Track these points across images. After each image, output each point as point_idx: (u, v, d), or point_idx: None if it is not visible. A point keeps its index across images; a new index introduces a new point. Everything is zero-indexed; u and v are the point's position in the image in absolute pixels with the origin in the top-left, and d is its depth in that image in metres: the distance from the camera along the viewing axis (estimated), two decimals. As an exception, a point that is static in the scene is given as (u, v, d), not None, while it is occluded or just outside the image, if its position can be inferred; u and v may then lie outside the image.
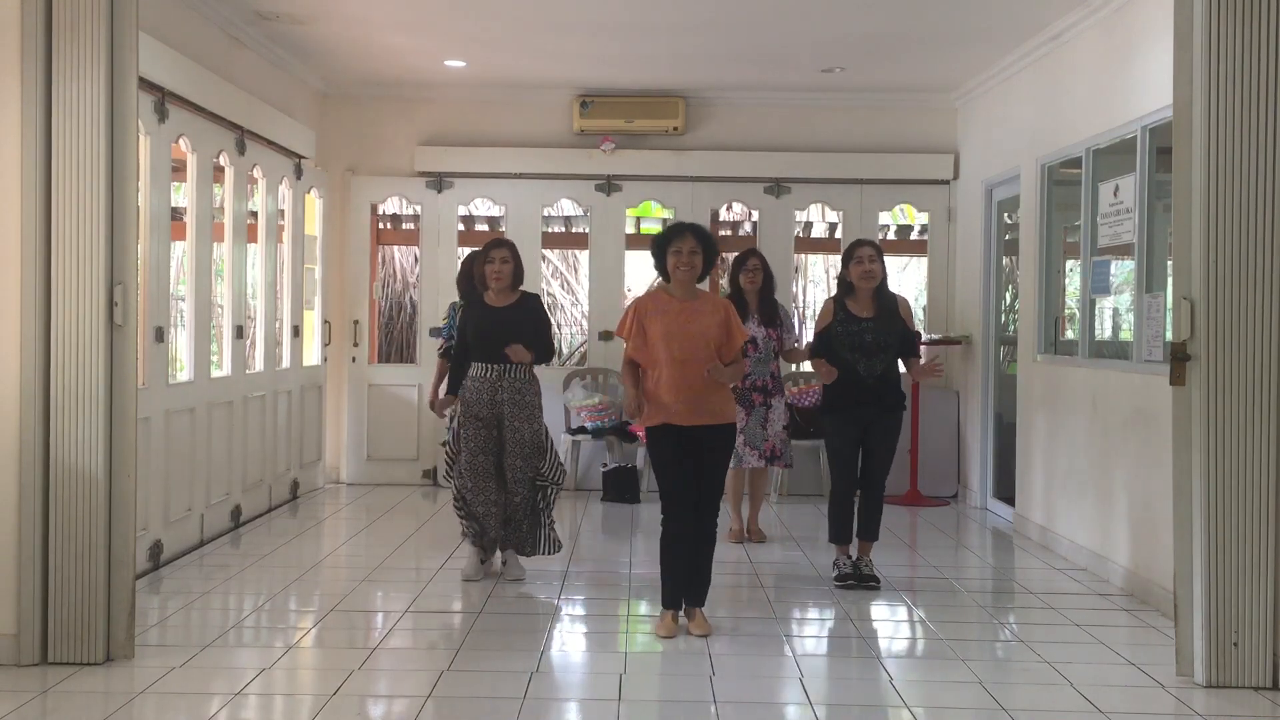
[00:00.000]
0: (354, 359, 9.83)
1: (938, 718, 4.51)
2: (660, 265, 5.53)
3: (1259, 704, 4.55)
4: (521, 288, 6.44)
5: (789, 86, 9.38)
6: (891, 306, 6.42)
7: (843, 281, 6.53)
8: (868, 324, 6.33)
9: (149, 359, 6.39)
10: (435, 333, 9.57)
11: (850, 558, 6.44)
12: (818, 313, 6.83)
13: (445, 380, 6.73)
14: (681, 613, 5.48)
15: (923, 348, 7.32)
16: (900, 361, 6.47)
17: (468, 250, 11.55)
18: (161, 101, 6.54)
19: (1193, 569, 4.70)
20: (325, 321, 9.62)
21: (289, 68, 8.77)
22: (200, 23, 7.19)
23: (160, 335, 6.57)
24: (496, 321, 6.30)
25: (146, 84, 6.19)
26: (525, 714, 4.34)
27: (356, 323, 9.82)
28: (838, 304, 6.45)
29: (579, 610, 5.95)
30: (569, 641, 5.43)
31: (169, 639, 5.31)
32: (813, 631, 5.79)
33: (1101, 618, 5.82)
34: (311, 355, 9.38)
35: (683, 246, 5.42)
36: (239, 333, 7.81)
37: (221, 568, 6.70)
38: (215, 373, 7.55)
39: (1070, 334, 7.96)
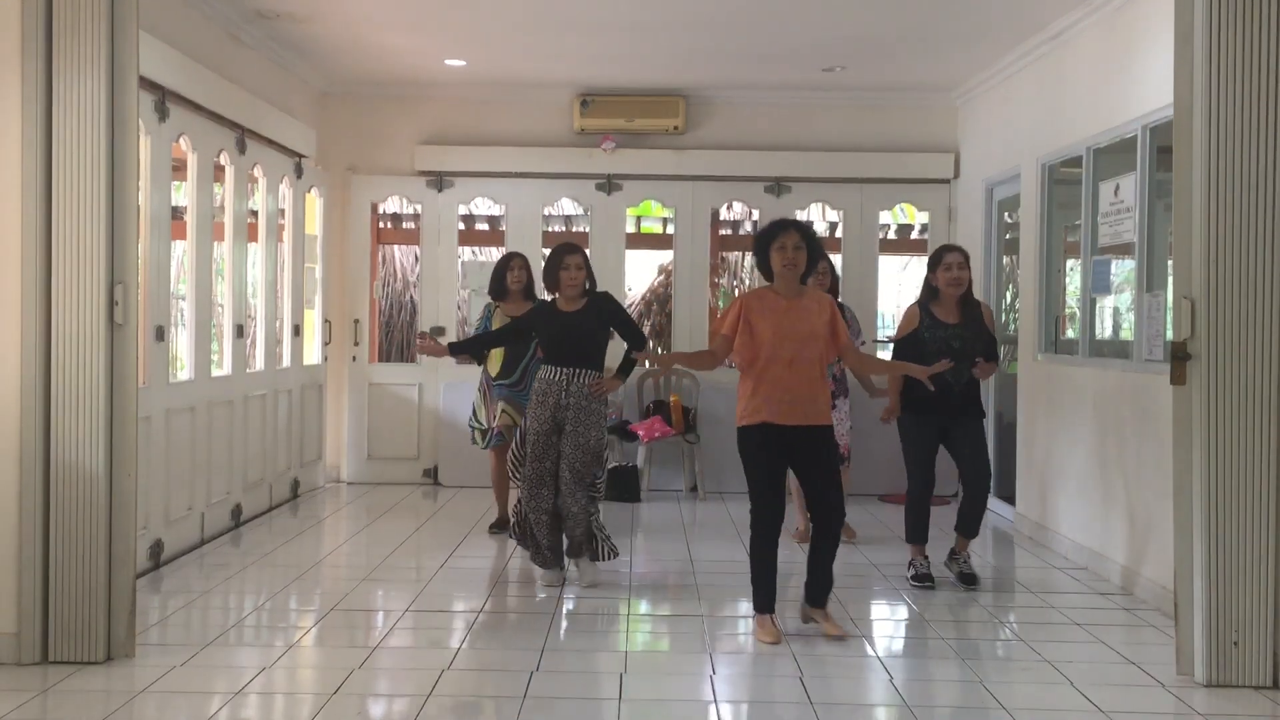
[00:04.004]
0: (354, 358, 9.82)
1: (938, 718, 4.51)
2: (762, 263, 5.39)
3: (1259, 703, 4.55)
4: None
5: (789, 85, 9.38)
6: (977, 313, 6.37)
7: (928, 286, 6.44)
8: (955, 330, 6.28)
9: (149, 358, 6.39)
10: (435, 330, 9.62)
11: (926, 558, 6.43)
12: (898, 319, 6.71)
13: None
14: (759, 615, 5.39)
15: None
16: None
17: (466, 249, 11.60)
18: (162, 100, 6.54)
19: (1193, 568, 4.70)
20: (326, 321, 9.62)
21: (289, 67, 8.77)
22: (201, 21, 7.19)
23: (161, 334, 6.57)
24: (567, 327, 6.28)
25: (147, 83, 6.19)
26: (525, 713, 4.34)
27: (357, 322, 9.82)
28: (923, 309, 6.38)
29: (579, 609, 5.95)
30: (569, 641, 5.43)
31: (170, 638, 5.31)
32: (813, 631, 5.78)
33: (1101, 616, 5.83)
34: (312, 354, 9.38)
35: (787, 242, 5.28)
36: (239, 332, 7.81)
37: (222, 567, 6.70)
38: (216, 372, 7.55)
39: (1070, 333, 7.96)
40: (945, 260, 6.34)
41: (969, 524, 6.42)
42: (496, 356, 7.43)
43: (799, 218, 10.32)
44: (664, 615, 5.85)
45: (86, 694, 4.45)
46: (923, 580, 6.34)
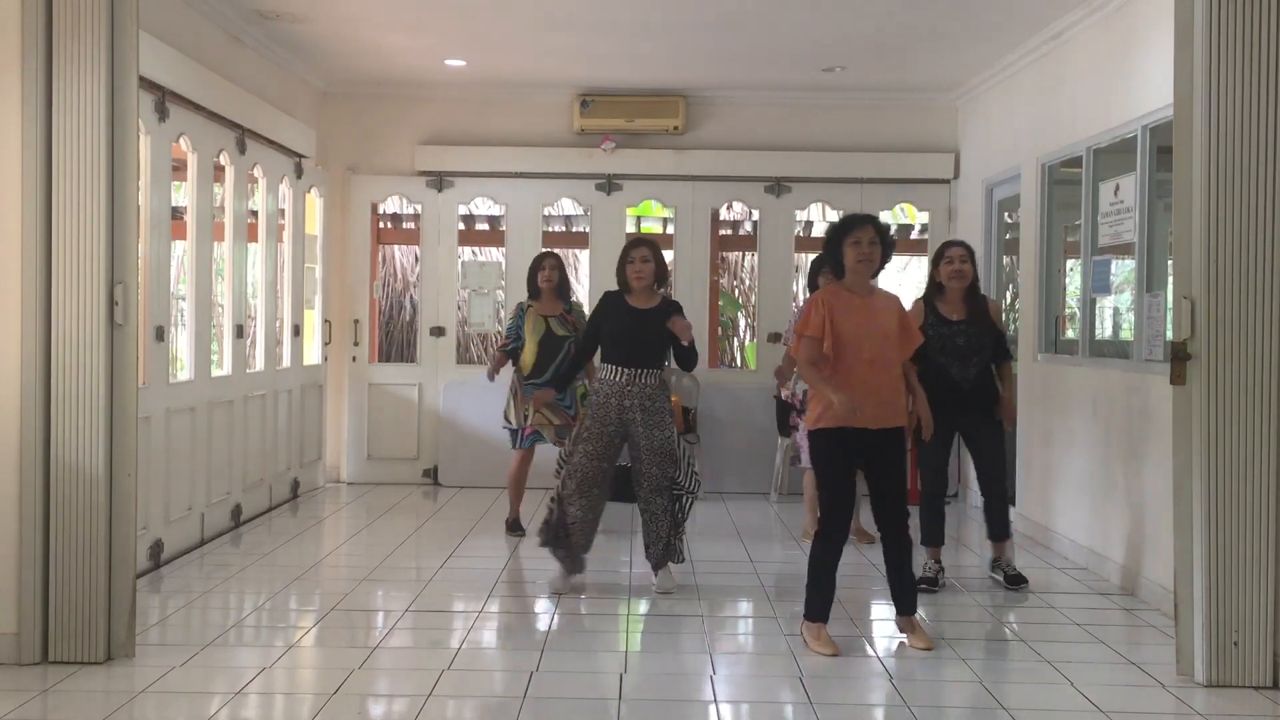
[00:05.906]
0: (354, 358, 9.83)
1: (938, 718, 4.51)
2: (834, 257, 5.22)
3: (1259, 703, 4.55)
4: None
5: (789, 86, 9.38)
6: (983, 309, 6.29)
7: (932, 282, 6.38)
8: (960, 327, 6.20)
9: (149, 358, 6.39)
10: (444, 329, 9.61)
11: (938, 561, 6.34)
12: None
13: (502, 365, 7.27)
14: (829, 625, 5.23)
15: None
16: (993, 367, 6.30)
17: (466, 249, 11.58)
18: (162, 100, 6.54)
19: (1193, 568, 4.70)
20: (326, 321, 9.62)
21: (289, 67, 8.77)
22: (201, 22, 7.20)
23: (161, 334, 6.57)
24: (634, 321, 6.10)
25: (147, 83, 6.19)
26: (525, 713, 4.34)
27: (357, 322, 9.83)
28: (927, 305, 6.28)
29: (579, 610, 5.95)
30: (569, 641, 5.42)
31: (170, 638, 5.31)
32: (813, 631, 5.78)
33: (1101, 617, 5.83)
34: (312, 354, 9.38)
35: (862, 237, 5.13)
36: (239, 332, 7.82)
37: (222, 567, 6.70)
38: (216, 372, 7.55)
39: (1070, 333, 7.96)
40: (947, 254, 6.29)
41: (998, 528, 6.36)
42: (530, 355, 7.46)
43: (799, 218, 10.43)
44: (664, 615, 5.85)
45: (86, 694, 4.45)
46: (929, 584, 6.20)
